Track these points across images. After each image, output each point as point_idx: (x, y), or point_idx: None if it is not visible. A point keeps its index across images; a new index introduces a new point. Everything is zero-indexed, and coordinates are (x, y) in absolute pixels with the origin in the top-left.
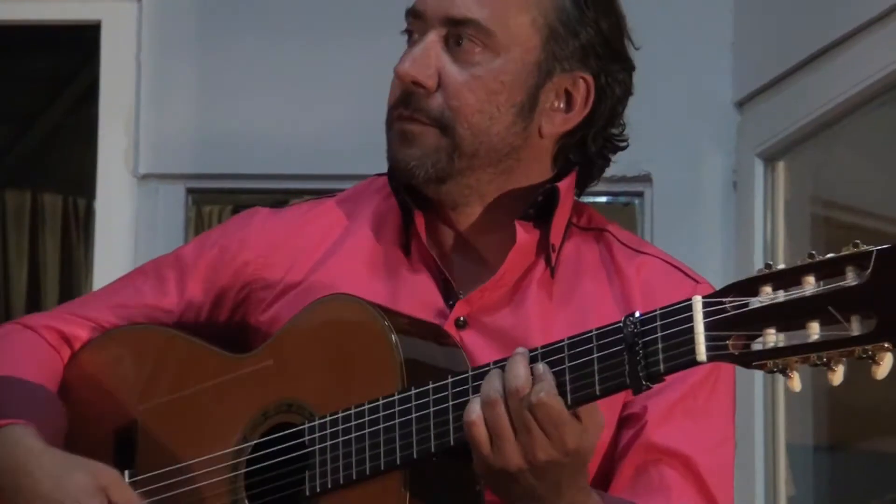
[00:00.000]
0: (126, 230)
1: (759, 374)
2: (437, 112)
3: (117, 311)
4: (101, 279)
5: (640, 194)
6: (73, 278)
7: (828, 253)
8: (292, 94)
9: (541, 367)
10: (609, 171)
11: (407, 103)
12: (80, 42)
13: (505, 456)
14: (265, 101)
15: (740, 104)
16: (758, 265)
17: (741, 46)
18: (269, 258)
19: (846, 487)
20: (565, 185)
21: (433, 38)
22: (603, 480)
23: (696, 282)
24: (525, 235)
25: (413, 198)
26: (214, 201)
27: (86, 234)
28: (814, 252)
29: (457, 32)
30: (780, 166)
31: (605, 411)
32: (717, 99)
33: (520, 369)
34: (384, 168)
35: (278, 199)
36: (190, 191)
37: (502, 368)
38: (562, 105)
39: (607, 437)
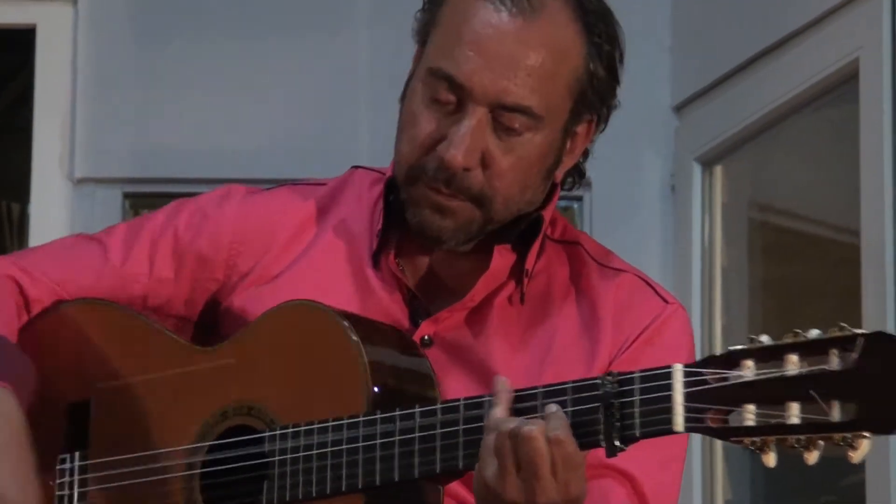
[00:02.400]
0: (61, 235)
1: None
2: (477, 190)
3: (84, 273)
4: None
5: (579, 198)
6: None
7: (763, 260)
8: (230, 99)
9: (554, 406)
10: None
11: (449, 183)
12: (15, 46)
13: (504, 482)
14: (202, 105)
15: (678, 108)
16: (696, 269)
17: (679, 51)
18: (243, 245)
19: (783, 490)
20: (547, 211)
21: (480, 121)
22: None
23: (666, 302)
24: (500, 260)
25: (396, 212)
26: (152, 205)
27: (20, 238)
28: (798, 330)
29: (506, 117)
30: (718, 170)
31: None
32: (655, 103)
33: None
34: (325, 172)
35: None
36: (127, 195)
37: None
38: (572, 147)
39: None
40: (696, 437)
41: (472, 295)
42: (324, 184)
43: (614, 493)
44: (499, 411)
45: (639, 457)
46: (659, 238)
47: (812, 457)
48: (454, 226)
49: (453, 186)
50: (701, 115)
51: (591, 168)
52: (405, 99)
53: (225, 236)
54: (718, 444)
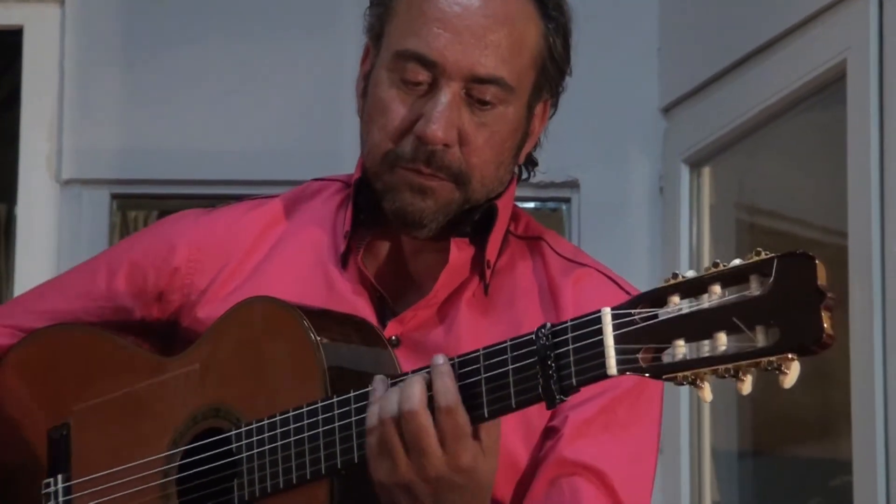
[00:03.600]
0: (49, 236)
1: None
2: (455, 168)
3: (41, 316)
4: (22, 286)
5: (567, 200)
6: None
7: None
8: (217, 100)
9: (440, 358)
10: (537, 178)
11: (429, 162)
12: (2, 47)
13: (397, 470)
14: (190, 105)
15: (666, 110)
16: (684, 270)
17: (667, 53)
18: (199, 262)
19: (771, 493)
20: (504, 201)
21: (455, 97)
22: (521, 495)
23: (630, 294)
24: (458, 254)
25: (364, 211)
26: (139, 206)
27: (7, 240)
28: (718, 261)
29: (479, 90)
30: (706, 172)
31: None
32: (643, 105)
33: (415, 389)
34: (310, 174)
35: (204, 205)
36: (114, 196)
37: (421, 377)
38: (532, 128)
39: (524, 450)
40: (684, 437)
41: (435, 291)
42: (278, 196)
43: (584, 490)
44: (375, 408)
45: (607, 453)
46: (647, 239)
47: (744, 386)
48: (435, 207)
49: (433, 165)
50: (689, 117)
51: (579, 170)
52: (367, 93)
53: (180, 256)
54: (707, 445)
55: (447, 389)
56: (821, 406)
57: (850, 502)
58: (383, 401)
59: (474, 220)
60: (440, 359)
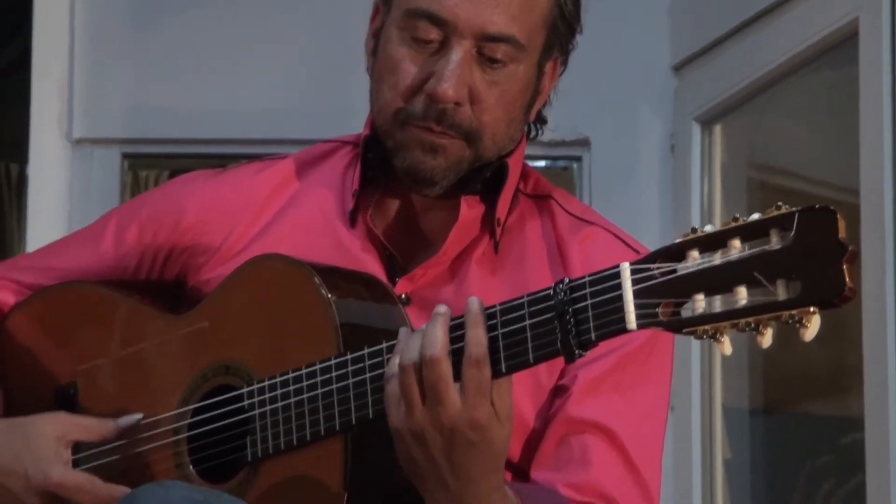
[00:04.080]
0: (60, 196)
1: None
2: (466, 126)
3: (48, 273)
4: (34, 245)
5: (578, 159)
6: (6, 244)
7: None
8: (228, 59)
9: (474, 303)
10: (547, 136)
11: (440, 120)
12: (13, 7)
13: (412, 417)
14: (201, 65)
15: (677, 68)
16: None
17: (678, 11)
18: (208, 224)
19: (782, 450)
20: (514, 159)
21: (466, 55)
22: (530, 454)
23: (638, 253)
24: (469, 211)
25: (374, 169)
26: (151, 166)
27: (18, 200)
28: (738, 215)
29: (490, 48)
30: (717, 130)
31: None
32: (654, 63)
33: (437, 334)
34: (322, 133)
35: (215, 164)
36: (125, 155)
37: (444, 324)
38: (542, 86)
39: (533, 409)
40: (696, 394)
41: (445, 249)
42: (288, 157)
43: (594, 447)
44: (395, 359)
45: (617, 411)
46: (658, 197)
47: (765, 340)
48: (446, 164)
49: (444, 123)
50: (700, 75)
51: (590, 128)
52: (377, 51)
53: (190, 217)
54: (718, 402)
55: (480, 341)
56: (832, 363)
57: (862, 459)
58: (404, 346)
59: (485, 178)
60: (442, 308)
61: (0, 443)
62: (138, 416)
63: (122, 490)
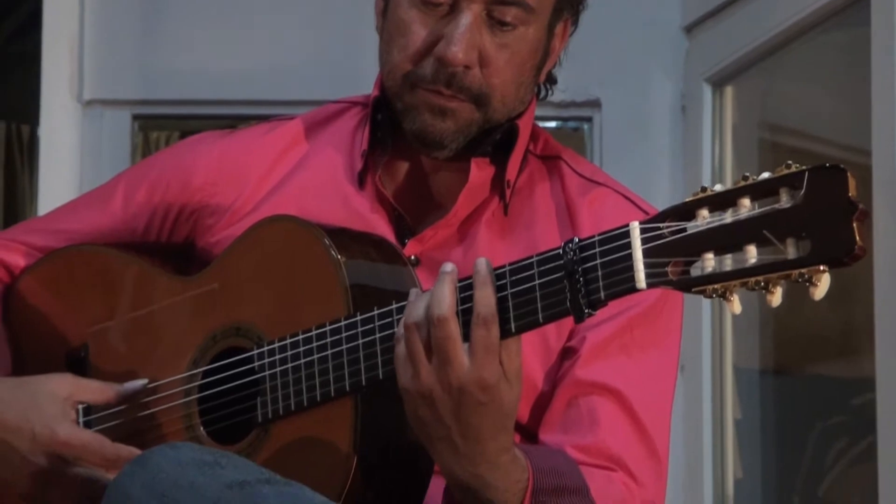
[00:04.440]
0: (71, 157)
1: (706, 299)
2: (476, 89)
3: (58, 235)
4: (45, 206)
5: (588, 119)
6: (18, 206)
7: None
8: (239, 20)
9: (482, 262)
10: (558, 97)
11: (449, 83)
12: None
13: (419, 377)
14: (211, 26)
15: (688, 29)
16: None
17: None
18: (217, 184)
19: (792, 411)
20: (524, 120)
21: (476, 18)
22: (539, 415)
23: (647, 214)
24: (479, 173)
25: (383, 130)
26: (161, 127)
27: (30, 161)
28: (748, 174)
29: (500, 11)
30: (728, 91)
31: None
32: (665, 24)
33: (444, 293)
34: (333, 93)
35: (225, 125)
36: (136, 117)
37: (451, 283)
38: (552, 47)
39: (541, 370)
40: (706, 355)
41: (454, 211)
42: (296, 117)
43: (602, 409)
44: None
45: (625, 372)
46: (669, 158)
47: (774, 298)
48: (455, 127)
49: (454, 86)
50: (711, 36)
51: (601, 89)
52: (387, 12)
53: (199, 177)
54: (729, 363)
55: (488, 301)
56: (843, 324)
57: (873, 420)
58: (411, 305)
59: (495, 140)
60: (448, 266)
61: (7, 400)
62: (144, 381)
63: (129, 450)
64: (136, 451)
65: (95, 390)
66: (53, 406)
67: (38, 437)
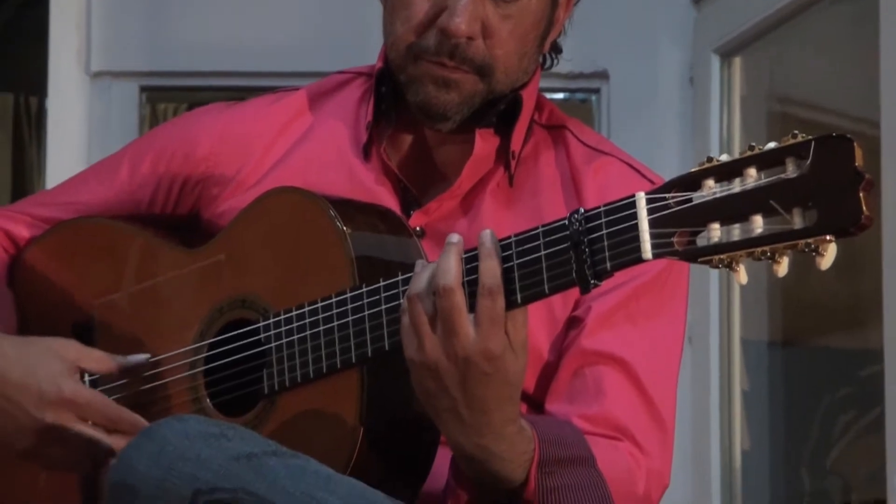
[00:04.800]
0: (79, 129)
1: (714, 270)
2: (479, 60)
3: (63, 208)
4: (53, 178)
5: (596, 91)
6: (26, 177)
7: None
8: None
9: (487, 234)
10: (566, 68)
11: (452, 55)
12: None
13: (423, 348)
14: None
15: (697, 0)
16: None
17: None
18: (221, 155)
19: (800, 383)
20: (529, 91)
21: None
22: (545, 386)
23: (653, 182)
24: (483, 145)
25: (387, 102)
26: (169, 99)
27: (38, 133)
28: (754, 144)
29: None
30: (737, 62)
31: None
32: None
33: (450, 264)
34: (339, 65)
35: (233, 97)
36: (144, 88)
37: (457, 254)
38: (556, 17)
39: (547, 340)
40: (714, 327)
41: (459, 182)
42: (301, 88)
43: (608, 379)
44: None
45: (631, 342)
46: (677, 130)
47: (780, 269)
48: (459, 99)
49: (457, 58)
50: (720, 7)
51: (608, 60)
52: None
53: (203, 148)
54: (736, 334)
55: (493, 272)
56: (851, 295)
57: (881, 392)
58: (417, 276)
59: (499, 111)
60: (454, 237)
61: (13, 357)
62: (146, 355)
63: (131, 414)
64: (138, 417)
65: (99, 359)
66: (59, 364)
67: (45, 393)
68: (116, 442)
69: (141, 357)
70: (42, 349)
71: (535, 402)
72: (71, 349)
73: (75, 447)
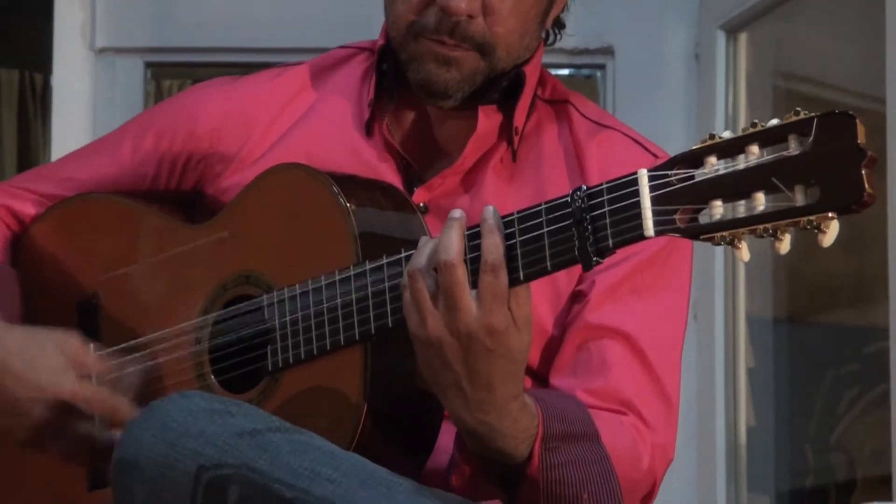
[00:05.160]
0: (84, 105)
1: (718, 248)
2: (479, 38)
3: (66, 184)
4: (58, 154)
5: (602, 67)
6: (31, 153)
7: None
8: None
9: (490, 209)
10: (571, 44)
11: (453, 33)
12: None
13: (425, 324)
14: None
15: None
16: None
17: None
18: (224, 130)
19: (805, 359)
20: (531, 67)
21: None
22: (549, 360)
23: (656, 156)
24: (486, 121)
25: (389, 79)
26: (173, 75)
27: (43, 109)
28: (756, 121)
29: None
30: (743, 38)
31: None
32: None
33: (452, 239)
34: (343, 41)
35: (237, 73)
36: (148, 64)
37: (459, 229)
38: None
39: (551, 315)
40: (719, 304)
41: (462, 159)
42: (303, 63)
43: (612, 353)
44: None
45: (634, 316)
46: (682, 106)
47: (783, 246)
48: (460, 76)
49: (457, 36)
50: None
51: (614, 36)
52: None
53: (205, 124)
54: (741, 311)
55: (496, 248)
56: (856, 272)
57: (886, 368)
58: (419, 252)
59: (502, 87)
60: (457, 212)
61: (15, 349)
62: (145, 365)
63: (133, 408)
64: (136, 411)
65: (98, 359)
66: (60, 358)
67: (45, 387)
68: (117, 436)
69: (140, 367)
70: (44, 340)
71: (539, 376)
72: (71, 344)
73: (73, 441)
